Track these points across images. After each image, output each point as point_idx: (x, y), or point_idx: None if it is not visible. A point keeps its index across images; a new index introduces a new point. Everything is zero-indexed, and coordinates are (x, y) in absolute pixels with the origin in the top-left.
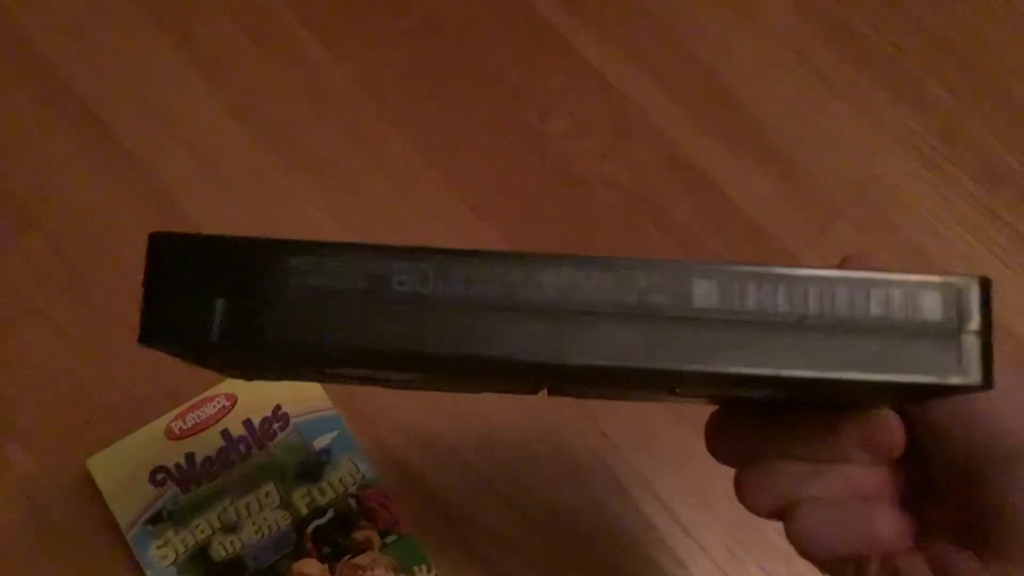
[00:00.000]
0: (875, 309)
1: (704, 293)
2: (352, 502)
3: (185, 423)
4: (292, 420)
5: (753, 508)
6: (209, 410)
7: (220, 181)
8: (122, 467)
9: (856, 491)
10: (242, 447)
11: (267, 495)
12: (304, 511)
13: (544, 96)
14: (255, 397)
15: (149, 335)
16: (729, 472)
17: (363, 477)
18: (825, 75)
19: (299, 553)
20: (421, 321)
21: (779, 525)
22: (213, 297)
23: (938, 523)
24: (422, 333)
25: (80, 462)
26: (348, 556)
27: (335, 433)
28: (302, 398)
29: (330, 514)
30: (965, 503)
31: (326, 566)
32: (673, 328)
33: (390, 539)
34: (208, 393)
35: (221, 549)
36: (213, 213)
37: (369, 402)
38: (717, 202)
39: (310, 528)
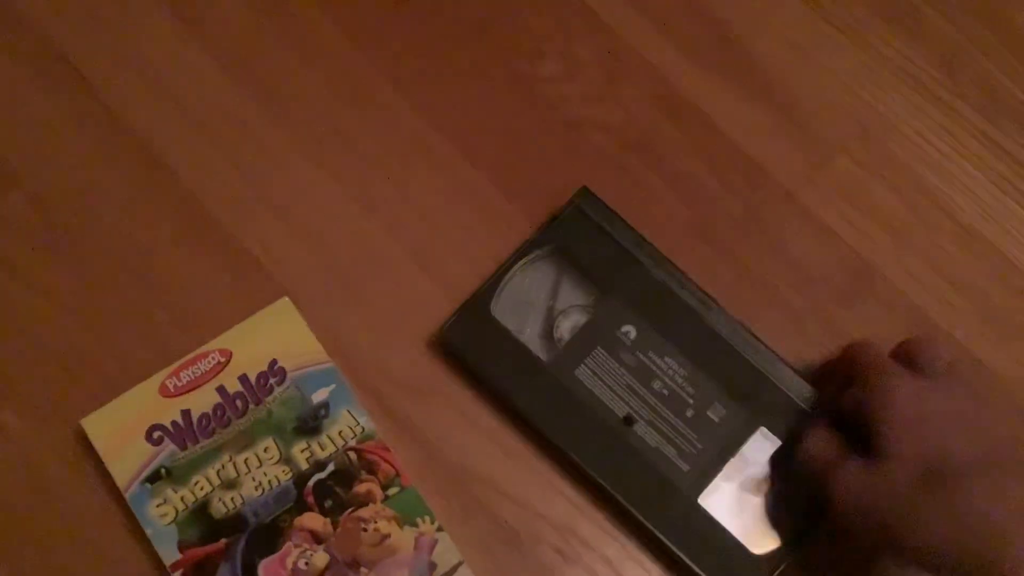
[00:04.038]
0: None
1: None
2: (352, 455)
3: (180, 380)
4: (289, 374)
5: None
6: (204, 366)
7: (204, 134)
8: (118, 426)
9: None
10: (239, 403)
11: (266, 450)
12: (304, 465)
13: (533, 38)
14: (250, 352)
15: None
16: None
17: (363, 430)
18: (821, 5)
19: (300, 508)
20: None
21: None
22: None
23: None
24: None
25: (74, 423)
26: (350, 509)
27: (332, 387)
28: (298, 352)
29: (330, 468)
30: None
31: (328, 520)
32: None
33: (392, 491)
34: (202, 349)
35: (221, 506)
36: (198, 167)
37: (366, 354)
38: (713, 141)
39: (311, 482)
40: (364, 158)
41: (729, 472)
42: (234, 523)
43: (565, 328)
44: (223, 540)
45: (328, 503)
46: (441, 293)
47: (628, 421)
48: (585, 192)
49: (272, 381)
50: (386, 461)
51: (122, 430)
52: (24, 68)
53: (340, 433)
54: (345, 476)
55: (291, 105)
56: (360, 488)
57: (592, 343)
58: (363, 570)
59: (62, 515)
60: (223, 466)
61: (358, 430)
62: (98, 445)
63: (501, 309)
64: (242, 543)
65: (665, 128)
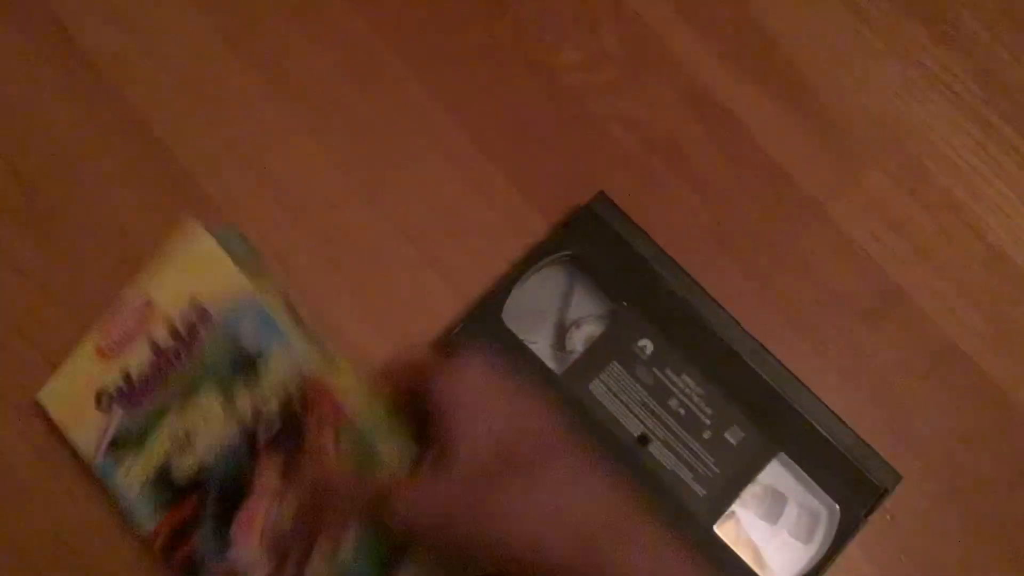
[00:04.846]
0: None
1: None
2: (297, 405)
3: (111, 338)
4: (213, 315)
5: None
6: (128, 317)
7: (198, 105)
8: (71, 396)
9: None
10: (172, 356)
11: (208, 402)
12: (250, 410)
13: (555, 25)
14: (168, 293)
15: None
16: None
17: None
18: (860, 7)
19: (256, 455)
20: None
21: None
22: None
23: None
24: None
25: (30, 398)
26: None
27: (259, 320)
28: (216, 283)
29: (278, 425)
30: None
31: (285, 460)
32: None
33: (342, 432)
34: (119, 296)
35: (181, 467)
36: (189, 140)
37: (367, 353)
38: (740, 144)
39: (261, 426)
40: (371, 142)
41: (746, 499)
42: (196, 483)
43: (578, 339)
44: (192, 499)
45: (283, 445)
46: (449, 292)
47: (643, 440)
48: (602, 197)
49: (200, 326)
50: (329, 404)
51: (75, 400)
52: (5, 24)
53: (281, 382)
54: (293, 416)
55: (296, 82)
56: (311, 440)
57: (607, 357)
58: None
59: (31, 496)
60: (172, 426)
61: (297, 370)
62: (56, 418)
63: (512, 316)
64: (212, 502)
65: (691, 128)
